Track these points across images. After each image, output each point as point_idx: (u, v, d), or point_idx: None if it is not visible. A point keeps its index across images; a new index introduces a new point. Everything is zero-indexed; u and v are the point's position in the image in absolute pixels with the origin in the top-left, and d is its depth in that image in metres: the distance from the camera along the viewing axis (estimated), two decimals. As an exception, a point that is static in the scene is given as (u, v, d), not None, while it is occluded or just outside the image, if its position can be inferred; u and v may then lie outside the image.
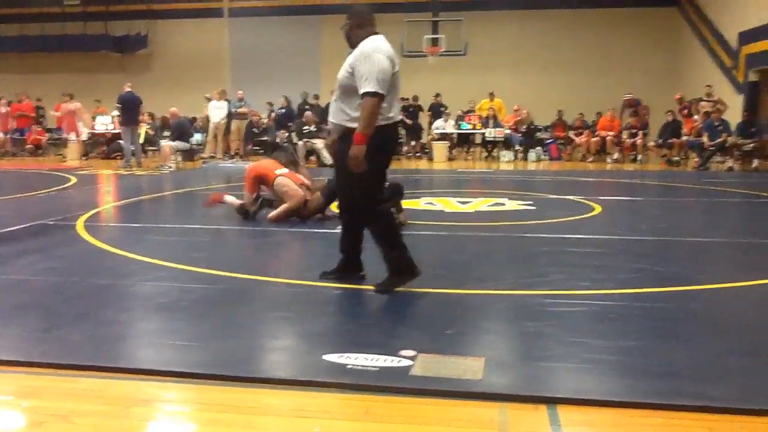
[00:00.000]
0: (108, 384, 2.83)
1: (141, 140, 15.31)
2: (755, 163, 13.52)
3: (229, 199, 7.44)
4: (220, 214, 7.29)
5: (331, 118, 4.27)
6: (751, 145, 13.62)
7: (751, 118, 13.96)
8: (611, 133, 15.98)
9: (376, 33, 4.16)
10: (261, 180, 7.22)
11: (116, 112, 15.63)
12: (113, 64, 21.75)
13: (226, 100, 16.78)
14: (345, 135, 4.06)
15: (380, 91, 3.88)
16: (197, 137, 15.62)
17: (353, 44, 4.17)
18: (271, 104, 17.70)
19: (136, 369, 2.96)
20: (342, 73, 4.10)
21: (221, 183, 11.38)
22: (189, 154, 14.57)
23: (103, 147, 17.70)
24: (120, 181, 11.90)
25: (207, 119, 16.69)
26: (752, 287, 4.38)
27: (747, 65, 15.75)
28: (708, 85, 15.62)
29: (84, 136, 16.58)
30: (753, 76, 15.58)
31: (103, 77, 20.85)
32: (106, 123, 17.54)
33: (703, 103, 15.01)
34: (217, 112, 16.52)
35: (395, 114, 4.16)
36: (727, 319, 3.77)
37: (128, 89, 14.36)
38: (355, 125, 3.96)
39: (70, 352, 3.15)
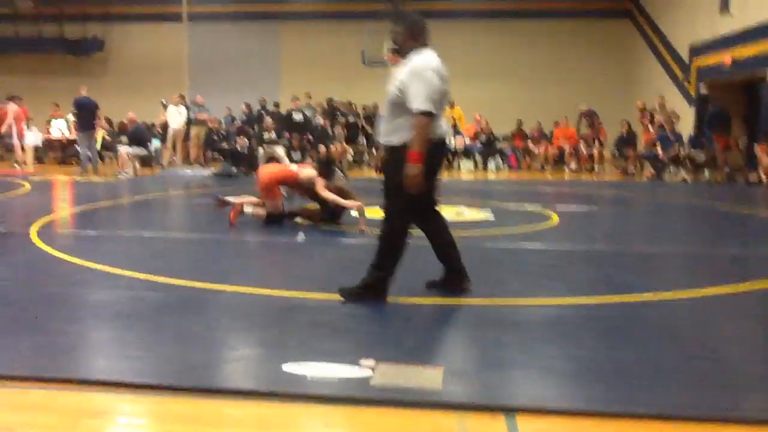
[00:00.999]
0: (57, 396, 2.76)
1: (98, 146, 15.02)
2: (707, 174, 13.87)
3: (250, 210, 7.29)
4: (180, 222, 7.19)
5: (380, 135, 4.22)
6: (703, 156, 13.97)
7: (702, 131, 14.33)
8: (568, 145, 16.24)
9: (426, 45, 4.10)
10: (283, 183, 7.25)
11: (72, 117, 15.29)
12: (68, 68, 21.33)
13: (185, 105, 16.56)
14: (392, 151, 4.04)
15: (432, 110, 3.87)
16: (156, 143, 15.39)
17: (403, 54, 4.13)
18: (229, 109, 17.50)
19: (87, 380, 2.88)
20: (391, 88, 4.05)
21: (180, 190, 11.23)
22: (147, 161, 14.35)
23: (58, 152, 17.31)
24: (76, 188, 11.65)
25: (165, 125, 16.43)
26: (703, 296, 4.48)
27: (698, 78, 16.19)
28: (661, 97, 16.00)
29: (13, 141, 15.74)
30: (704, 89, 16.01)
31: (57, 81, 20.42)
32: (62, 128, 17.17)
33: (656, 115, 15.37)
34: (176, 117, 16.30)
35: (440, 131, 4.07)
36: (678, 327, 3.84)
37: (84, 93, 14.08)
38: (401, 142, 3.95)
39: (18, 363, 3.06)
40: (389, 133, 4.08)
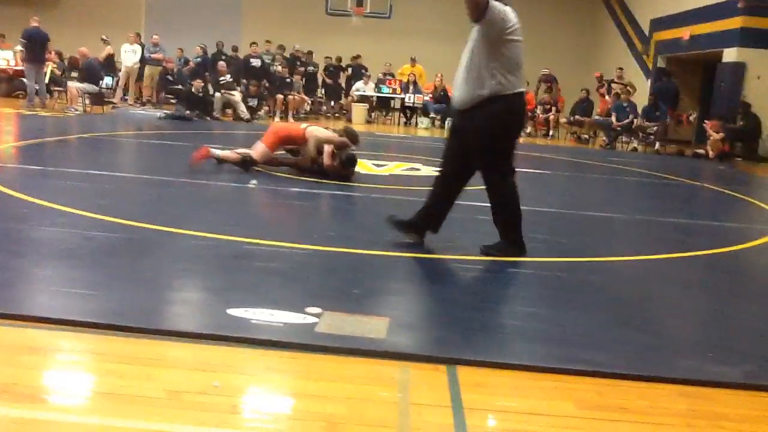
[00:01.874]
0: (-4, 330, 2.70)
1: (46, 80, 14.48)
2: (657, 145, 14.15)
3: (219, 152, 7.07)
4: (130, 162, 7.02)
5: (457, 89, 4.20)
6: (655, 128, 14.23)
7: (656, 103, 14.56)
8: (526, 109, 16.32)
9: (505, 3, 4.08)
10: (288, 139, 7.21)
11: (20, 48, 14.69)
12: (18, -3, 20.36)
13: (140, 44, 16.05)
14: (476, 105, 4.06)
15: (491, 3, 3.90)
16: (107, 80, 14.91)
17: (481, 10, 3.98)
18: (181, 50, 16.89)
19: (26, 316, 2.82)
20: (470, 42, 4.15)
21: (131, 130, 10.96)
22: (98, 98, 13.92)
23: (3, 84, 16.63)
24: (22, 122, 11.26)
25: (106, 61, 15.75)
26: (644, 261, 4.62)
27: (657, 51, 16.39)
28: (619, 68, 16.17)
29: None
30: (661, 62, 16.23)
31: (4, 10, 19.48)
32: (8, 58, 16.47)
33: (614, 84, 15.55)
34: (130, 56, 15.78)
35: (516, 84, 4.11)
36: (619, 290, 3.96)
37: (34, 24, 13.49)
38: (487, 93, 4.00)
39: (-44, 296, 2.98)
40: (471, 83, 4.07)
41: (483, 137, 4.13)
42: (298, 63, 16.76)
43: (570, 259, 4.53)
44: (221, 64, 14.88)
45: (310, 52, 17.38)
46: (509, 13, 4.06)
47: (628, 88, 14.99)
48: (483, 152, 4.19)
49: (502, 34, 4.02)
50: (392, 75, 17.36)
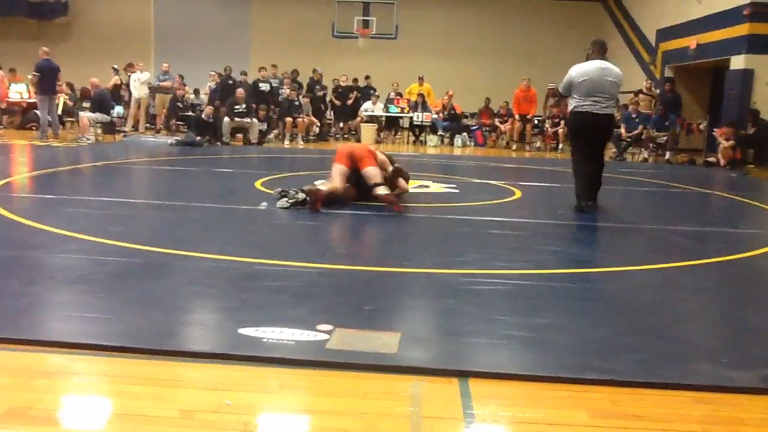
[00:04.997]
0: (10, 356, 2.72)
1: (59, 111, 14.67)
2: (668, 155, 14.09)
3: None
4: (142, 188, 7.07)
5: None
6: (665, 137, 14.18)
7: (666, 113, 14.51)
8: (531, 113, 16.19)
9: (598, 56, 6.90)
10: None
11: (30, 78, 14.87)
12: (29, 31, 20.70)
13: (148, 73, 16.25)
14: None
15: (561, 91, 7.27)
16: (118, 109, 15.09)
17: (586, 59, 7.05)
18: (181, 76, 16.63)
19: (40, 341, 2.85)
20: None
21: (142, 157, 11.06)
22: (109, 127, 14.08)
23: (17, 116, 16.85)
24: (35, 152, 11.39)
25: (114, 89, 15.91)
26: (657, 270, 4.58)
27: (664, 61, 16.38)
28: (648, 80, 16.07)
29: None
30: (669, 72, 16.22)
31: (17, 44, 19.79)
32: (21, 91, 16.71)
33: (641, 95, 15.34)
34: (139, 85, 15.99)
35: (579, 105, 6.76)
36: (632, 299, 3.93)
37: (45, 57, 13.67)
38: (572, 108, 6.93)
39: (-29, 324, 3.01)
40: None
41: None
42: (317, 87, 16.79)
43: (581, 270, 4.52)
44: (240, 91, 14.72)
45: (319, 74, 17.42)
46: (586, 69, 6.76)
47: (655, 100, 14.95)
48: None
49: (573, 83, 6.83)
50: (400, 94, 17.42)
